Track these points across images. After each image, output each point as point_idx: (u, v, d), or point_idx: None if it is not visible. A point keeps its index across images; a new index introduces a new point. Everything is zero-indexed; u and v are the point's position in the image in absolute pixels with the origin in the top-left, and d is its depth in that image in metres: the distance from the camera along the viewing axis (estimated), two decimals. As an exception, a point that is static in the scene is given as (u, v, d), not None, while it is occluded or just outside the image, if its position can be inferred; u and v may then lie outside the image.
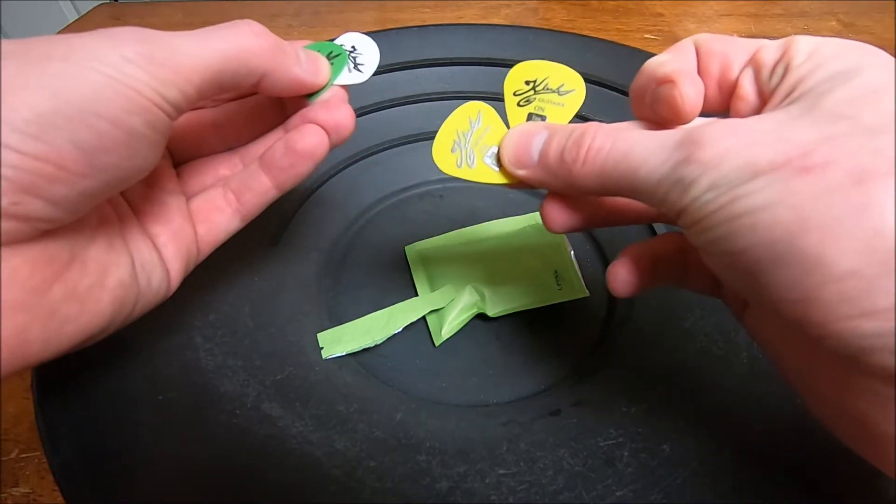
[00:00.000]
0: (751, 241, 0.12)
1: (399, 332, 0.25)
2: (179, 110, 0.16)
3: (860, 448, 0.14)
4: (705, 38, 0.16)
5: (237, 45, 0.16)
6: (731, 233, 0.12)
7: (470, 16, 0.53)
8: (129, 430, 0.20)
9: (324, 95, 0.20)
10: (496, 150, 0.19)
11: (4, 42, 0.14)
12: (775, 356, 0.16)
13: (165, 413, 0.21)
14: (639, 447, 0.20)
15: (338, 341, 0.25)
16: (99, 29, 0.15)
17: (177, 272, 0.19)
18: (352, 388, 0.23)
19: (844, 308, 0.11)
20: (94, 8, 0.58)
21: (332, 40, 0.21)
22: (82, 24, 0.55)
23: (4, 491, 0.22)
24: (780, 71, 0.14)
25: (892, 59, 0.13)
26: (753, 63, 0.15)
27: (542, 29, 0.37)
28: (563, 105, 0.19)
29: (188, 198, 0.20)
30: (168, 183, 0.20)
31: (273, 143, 0.20)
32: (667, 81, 0.15)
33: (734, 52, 0.15)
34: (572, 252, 0.28)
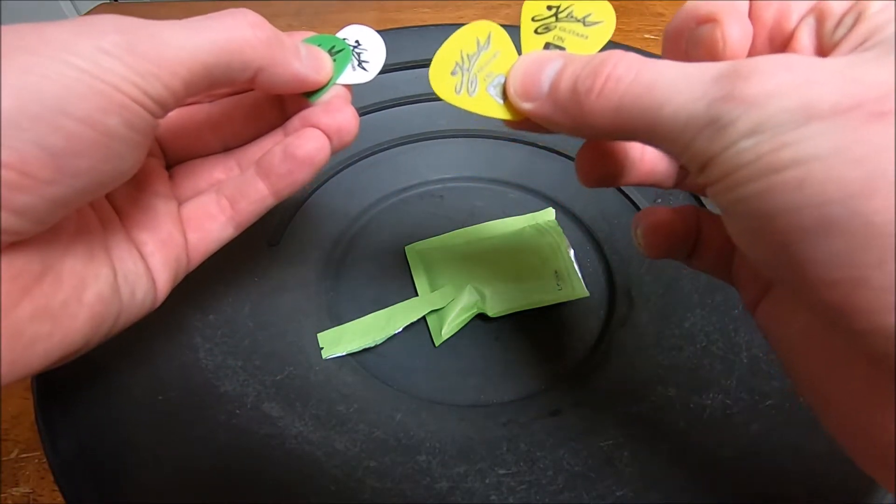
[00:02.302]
0: (795, 200, 0.09)
1: (399, 332, 0.25)
2: (164, 107, 0.14)
3: (879, 472, 0.12)
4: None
5: (231, 35, 0.15)
6: (770, 189, 0.10)
7: (470, 16, 0.53)
8: (129, 430, 0.20)
9: (325, 96, 0.18)
10: (503, 80, 0.17)
11: None
12: (789, 358, 0.14)
13: (165, 413, 0.21)
14: (639, 447, 0.20)
15: (338, 341, 0.25)
16: (81, 17, 0.13)
17: (164, 283, 0.18)
18: (352, 388, 0.23)
19: None
20: (94, 8, 0.58)
21: (336, 34, 0.20)
22: (82, 24, 0.55)
23: (4, 491, 0.22)
24: (848, 21, 0.12)
25: None
26: (816, 12, 0.12)
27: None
28: (586, 38, 0.16)
29: (180, 202, 0.19)
30: (158, 186, 0.18)
31: (271, 148, 0.18)
32: (709, 20, 0.13)
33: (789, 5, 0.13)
34: (572, 252, 0.28)
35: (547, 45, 0.17)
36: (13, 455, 0.23)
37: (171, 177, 0.20)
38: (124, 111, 0.13)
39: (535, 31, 0.17)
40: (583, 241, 0.29)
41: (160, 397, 0.21)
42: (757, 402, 0.21)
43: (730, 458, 0.20)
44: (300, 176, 0.18)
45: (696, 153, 0.11)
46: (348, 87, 0.19)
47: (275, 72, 0.16)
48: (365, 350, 0.25)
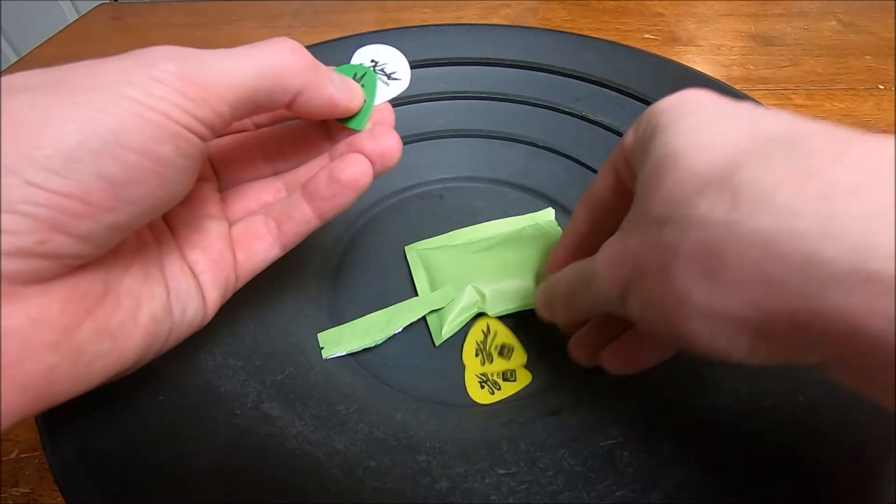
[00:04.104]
0: (653, 326, 0.16)
1: (399, 332, 0.25)
2: (213, 130, 0.15)
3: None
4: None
5: (274, 61, 0.16)
6: (644, 323, 0.16)
7: (470, 16, 0.53)
8: (129, 430, 0.20)
9: (369, 123, 0.19)
10: None
11: (32, 73, 0.13)
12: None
13: (165, 413, 0.21)
14: (639, 447, 0.20)
15: (338, 341, 0.25)
16: (134, 50, 0.14)
17: (214, 300, 0.18)
18: (352, 388, 0.23)
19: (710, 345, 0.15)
20: (95, 8, 0.58)
21: (351, 63, 0.21)
22: (82, 24, 0.55)
23: (4, 491, 0.22)
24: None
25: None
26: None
27: (542, 29, 0.37)
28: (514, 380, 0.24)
29: (231, 223, 0.20)
30: (211, 208, 0.19)
31: (317, 172, 0.19)
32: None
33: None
34: (572, 252, 0.28)
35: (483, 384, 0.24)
36: (13, 455, 0.23)
37: (223, 199, 0.20)
38: (176, 139, 0.14)
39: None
40: (583, 241, 0.29)
41: (160, 397, 0.21)
42: (757, 402, 0.21)
43: (730, 458, 0.20)
44: (344, 199, 0.19)
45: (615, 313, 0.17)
46: (391, 112, 0.20)
47: (311, 95, 0.17)
48: (365, 350, 0.25)
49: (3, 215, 0.12)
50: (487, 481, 0.20)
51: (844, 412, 0.19)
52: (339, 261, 0.29)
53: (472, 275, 0.27)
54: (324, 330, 0.25)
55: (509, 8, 0.54)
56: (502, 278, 0.27)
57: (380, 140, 0.19)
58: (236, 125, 0.21)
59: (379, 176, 0.19)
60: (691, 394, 0.22)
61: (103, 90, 0.13)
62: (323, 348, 0.24)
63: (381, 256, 0.29)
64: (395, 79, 0.20)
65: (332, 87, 0.18)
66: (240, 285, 0.20)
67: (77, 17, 0.57)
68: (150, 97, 0.13)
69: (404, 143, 0.33)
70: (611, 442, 0.21)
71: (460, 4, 0.54)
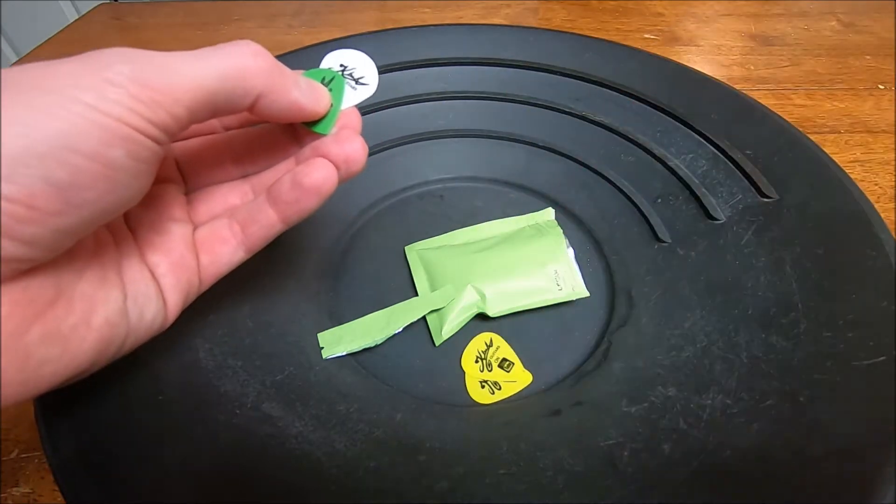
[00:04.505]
0: None
1: (399, 332, 0.25)
2: (168, 134, 0.15)
3: None
4: None
5: (233, 63, 0.16)
6: None
7: (470, 16, 0.53)
8: (129, 430, 0.20)
9: (334, 128, 0.19)
10: None
11: None
12: None
13: (165, 413, 0.21)
14: (639, 447, 0.20)
15: (338, 341, 0.25)
16: (89, 52, 0.14)
17: (175, 304, 0.18)
18: (352, 388, 0.23)
19: None
20: (94, 8, 0.58)
21: (318, 67, 0.20)
22: (82, 24, 0.55)
23: (4, 491, 0.22)
24: None
25: None
26: None
27: (542, 29, 0.37)
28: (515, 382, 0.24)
29: (196, 226, 0.20)
30: (176, 211, 0.19)
31: (281, 177, 0.19)
32: None
33: None
34: (572, 252, 0.28)
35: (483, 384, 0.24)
36: (13, 455, 0.23)
37: (189, 201, 0.20)
38: (128, 143, 0.13)
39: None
40: (583, 241, 0.29)
41: (160, 397, 0.21)
42: (757, 402, 0.21)
43: (730, 458, 0.20)
44: (307, 204, 0.19)
45: None
46: (358, 117, 0.20)
47: (274, 98, 0.17)
48: (365, 350, 0.25)
49: None
50: (487, 481, 0.20)
51: (844, 412, 0.19)
52: (339, 261, 0.29)
53: (472, 275, 0.27)
54: (324, 330, 0.25)
55: (509, 8, 0.54)
56: (502, 278, 0.27)
57: (344, 145, 0.19)
58: (204, 127, 0.21)
59: (344, 181, 0.19)
60: (691, 394, 0.22)
61: (54, 92, 0.13)
62: (323, 348, 0.24)
63: (381, 256, 0.29)
64: (363, 84, 0.20)
65: (298, 91, 0.18)
66: (203, 289, 0.19)
67: (77, 17, 0.57)
68: (101, 100, 0.13)
69: (404, 144, 0.33)
70: (611, 442, 0.20)
71: (460, 4, 0.54)
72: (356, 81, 0.20)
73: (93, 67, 0.13)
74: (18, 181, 0.12)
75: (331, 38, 0.34)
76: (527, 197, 0.32)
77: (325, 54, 0.21)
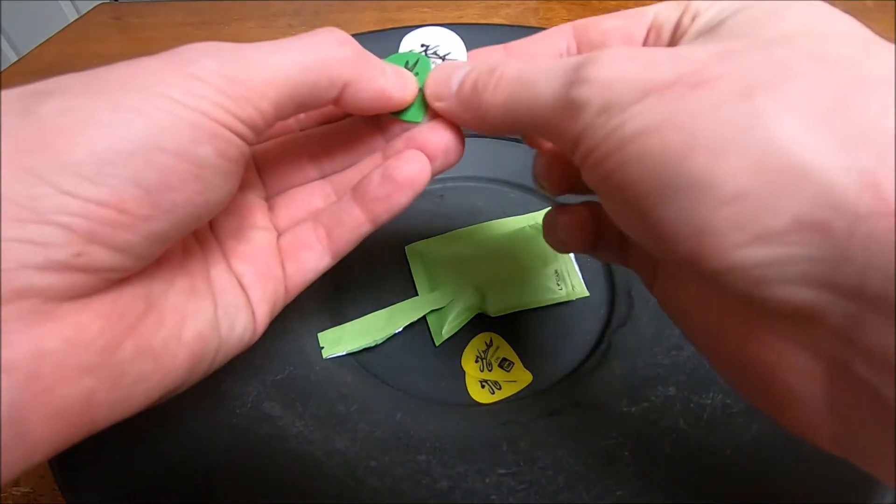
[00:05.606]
0: (641, 170, 0.11)
1: (399, 332, 0.25)
2: (256, 131, 0.14)
3: (765, 407, 0.13)
4: (590, 20, 0.16)
5: (320, 54, 0.15)
6: (622, 163, 0.11)
7: (470, 16, 0.53)
8: (129, 430, 0.20)
9: (426, 116, 0.18)
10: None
11: (67, 76, 0.12)
12: (686, 325, 0.15)
13: (165, 413, 0.21)
14: (639, 447, 0.20)
15: (338, 341, 0.25)
16: (174, 49, 0.13)
17: (263, 315, 0.17)
18: (352, 388, 0.23)
19: (736, 235, 0.10)
20: (95, 8, 0.58)
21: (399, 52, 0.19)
22: (82, 24, 0.55)
23: (4, 490, 0.22)
24: (687, 20, 0.14)
25: None
26: (655, 28, 0.15)
27: (543, 29, 0.37)
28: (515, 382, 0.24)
29: (280, 233, 0.19)
30: (258, 218, 0.18)
31: (368, 173, 0.18)
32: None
33: (629, 23, 0.15)
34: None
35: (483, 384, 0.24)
36: (13, 455, 0.23)
37: (270, 207, 0.19)
38: (216, 140, 0.13)
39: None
40: (583, 241, 0.29)
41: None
42: (757, 402, 0.21)
43: (730, 458, 0.20)
44: (399, 199, 0.18)
45: (564, 134, 0.13)
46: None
47: (361, 87, 0.16)
48: (365, 350, 0.25)
49: (36, 226, 0.11)
50: (487, 481, 0.20)
51: (844, 412, 0.19)
52: (340, 261, 0.29)
53: (472, 275, 0.27)
54: (324, 329, 0.25)
55: (509, 8, 0.54)
56: (502, 278, 0.27)
57: (443, 133, 0.17)
58: (280, 128, 0.20)
59: (439, 174, 0.18)
60: (691, 394, 0.22)
61: (138, 90, 0.12)
62: (323, 348, 0.24)
63: (381, 256, 0.29)
64: (452, 59, 0.18)
65: (384, 79, 0.16)
66: (290, 299, 0.18)
67: (77, 16, 0.57)
68: (188, 96, 0.12)
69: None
70: (611, 442, 0.21)
71: (460, 4, 0.54)
72: (443, 59, 0.19)
73: (178, 63, 0.13)
74: (107, 183, 0.11)
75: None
76: (527, 197, 0.32)
77: (400, 40, 0.19)
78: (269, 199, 0.19)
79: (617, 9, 0.16)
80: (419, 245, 0.29)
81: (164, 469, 0.19)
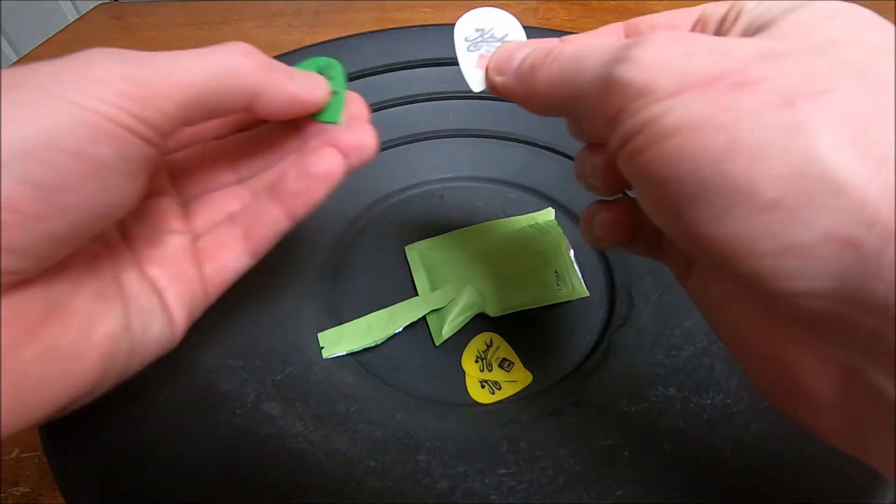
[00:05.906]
0: (679, 167, 0.11)
1: (399, 332, 0.25)
2: (160, 133, 0.14)
3: (791, 409, 0.13)
4: (642, 18, 0.16)
5: (224, 61, 0.15)
6: (660, 157, 0.11)
7: (470, 16, 0.53)
8: (129, 430, 0.20)
9: (342, 117, 0.19)
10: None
11: None
12: (713, 319, 0.15)
13: (165, 413, 0.21)
14: (639, 447, 0.20)
15: (338, 341, 0.25)
16: (78, 52, 0.13)
17: (181, 318, 0.18)
18: (352, 388, 0.23)
19: (768, 243, 0.10)
20: (94, 8, 0.58)
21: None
22: (82, 24, 0.55)
23: (4, 491, 0.22)
24: (732, 16, 0.14)
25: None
26: (701, 22, 0.15)
27: (543, 29, 0.37)
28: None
29: (197, 236, 0.19)
30: (172, 223, 0.18)
31: (284, 171, 0.19)
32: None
33: (677, 19, 0.16)
34: (572, 252, 0.28)
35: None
36: (13, 455, 0.23)
37: (187, 212, 0.20)
38: (116, 141, 0.13)
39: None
40: (583, 241, 0.29)
41: (160, 397, 0.21)
42: (757, 402, 0.21)
43: (730, 458, 0.20)
44: (316, 193, 0.18)
45: (602, 113, 0.13)
46: (364, 106, 0.20)
47: (272, 94, 0.16)
48: (365, 350, 0.25)
49: None
50: (487, 481, 0.20)
51: (844, 412, 0.19)
52: (339, 261, 0.29)
53: (472, 275, 0.27)
54: (324, 330, 0.25)
55: (509, 8, 0.54)
56: (502, 278, 0.27)
57: (354, 133, 0.18)
58: (195, 135, 0.20)
59: (353, 171, 0.19)
60: (691, 394, 0.22)
61: (36, 90, 0.12)
62: (323, 348, 0.24)
63: (381, 256, 0.29)
64: (509, 40, 0.19)
65: (293, 84, 0.17)
66: (210, 300, 0.19)
67: (77, 17, 0.57)
68: (85, 97, 0.12)
69: (404, 144, 0.33)
70: (611, 442, 0.21)
71: (460, 4, 0.54)
72: (500, 41, 0.19)
73: (79, 65, 0.13)
74: None
75: (331, 37, 0.34)
76: (527, 197, 0.32)
77: (313, 55, 0.20)
78: (187, 205, 0.20)
79: (616, 9, 0.16)
80: (419, 245, 0.29)
81: (165, 469, 0.19)
